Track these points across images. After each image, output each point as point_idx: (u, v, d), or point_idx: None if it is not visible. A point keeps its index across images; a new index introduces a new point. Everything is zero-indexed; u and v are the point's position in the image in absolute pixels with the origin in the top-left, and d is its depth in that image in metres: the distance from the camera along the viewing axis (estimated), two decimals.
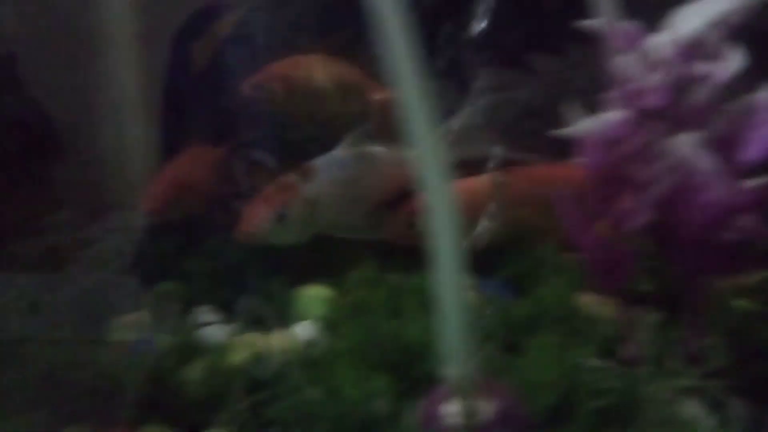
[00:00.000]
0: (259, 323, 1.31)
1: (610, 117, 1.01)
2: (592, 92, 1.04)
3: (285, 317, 1.35)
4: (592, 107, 1.03)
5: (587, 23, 1.02)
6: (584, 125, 1.02)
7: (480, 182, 1.42)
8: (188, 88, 1.70)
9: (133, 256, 1.56)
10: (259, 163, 1.55)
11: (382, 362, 1.07)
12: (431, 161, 0.83)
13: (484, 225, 1.38)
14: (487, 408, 0.89)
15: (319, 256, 1.45)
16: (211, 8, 1.67)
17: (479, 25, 1.56)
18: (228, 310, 1.37)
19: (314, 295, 1.40)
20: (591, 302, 1.16)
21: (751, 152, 0.95)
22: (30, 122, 1.77)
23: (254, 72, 1.49)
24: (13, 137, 1.74)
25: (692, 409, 1.00)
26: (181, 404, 1.11)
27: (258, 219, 1.35)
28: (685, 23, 0.99)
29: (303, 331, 1.29)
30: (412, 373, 1.05)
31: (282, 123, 1.56)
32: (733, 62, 0.96)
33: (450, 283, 0.83)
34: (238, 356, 1.16)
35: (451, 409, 0.90)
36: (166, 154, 1.67)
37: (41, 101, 1.78)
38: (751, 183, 0.96)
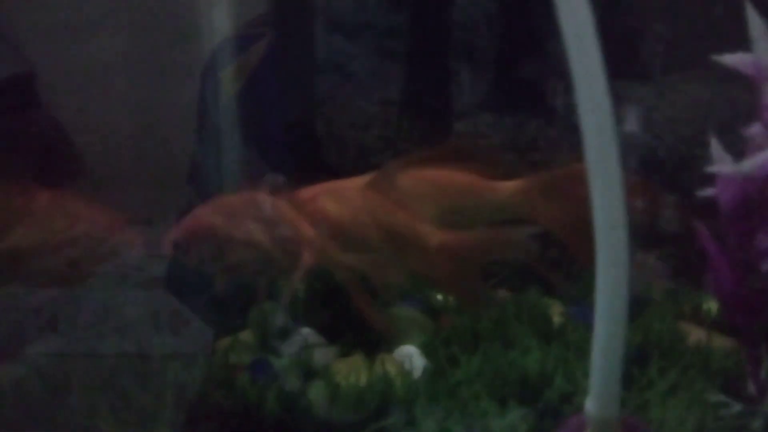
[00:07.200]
0: (361, 346, 1.38)
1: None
2: None
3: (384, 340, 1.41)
4: None
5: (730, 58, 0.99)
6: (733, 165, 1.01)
7: None
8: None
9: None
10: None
11: (504, 394, 1.13)
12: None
13: None
14: None
15: None
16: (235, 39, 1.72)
17: None
18: (327, 333, 1.43)
19: (407, 317, 1.46)
20: (692, 332, 1.23)
21: None
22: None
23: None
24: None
25: None
26: (311, 426, 1.17)
27: None
28: None
29: (406, 355, 1.35)
30: (535, 405, 1.12)
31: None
32: None
33: (611, 315, 0.81)
34: (359, 379, 1.23)
35: None
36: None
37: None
38: None
